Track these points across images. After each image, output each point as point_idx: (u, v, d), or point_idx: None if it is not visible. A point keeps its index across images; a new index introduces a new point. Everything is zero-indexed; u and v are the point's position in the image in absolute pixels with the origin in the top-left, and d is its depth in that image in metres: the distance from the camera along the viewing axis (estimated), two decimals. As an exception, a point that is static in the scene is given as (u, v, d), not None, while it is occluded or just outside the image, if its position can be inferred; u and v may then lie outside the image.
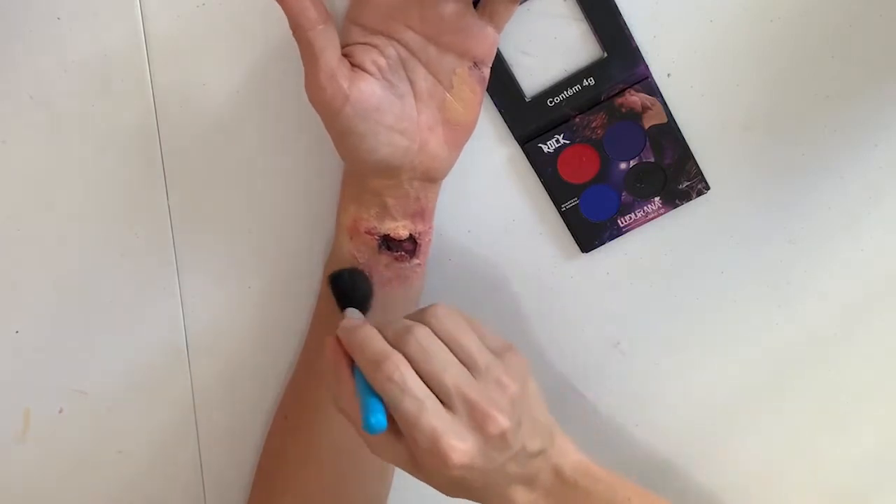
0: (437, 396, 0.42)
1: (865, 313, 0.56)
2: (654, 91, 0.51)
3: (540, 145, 0.52)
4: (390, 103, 0.46)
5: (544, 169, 0.52)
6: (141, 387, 0.56)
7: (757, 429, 0.58)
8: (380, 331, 0.43)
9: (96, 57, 0.50)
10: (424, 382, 0.42)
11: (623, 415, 0.58)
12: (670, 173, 0.52)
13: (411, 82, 0.47)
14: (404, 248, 0.50)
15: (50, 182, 0.52)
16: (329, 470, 0.52)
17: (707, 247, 0.54)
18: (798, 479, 0.59)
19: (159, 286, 0.54)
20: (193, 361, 0.55)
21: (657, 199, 0.53)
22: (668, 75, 0.51)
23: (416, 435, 0.41)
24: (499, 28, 0.47)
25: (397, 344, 0.43)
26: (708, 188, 0.53)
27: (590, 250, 0.54)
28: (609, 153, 0.52)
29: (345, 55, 0.45)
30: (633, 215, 0.53)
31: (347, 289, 0.47)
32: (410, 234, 0.50)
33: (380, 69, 0.45)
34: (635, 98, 0.51)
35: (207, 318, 0.55)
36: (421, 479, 0.44)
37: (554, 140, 0.52)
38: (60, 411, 0.55)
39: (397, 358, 0.42)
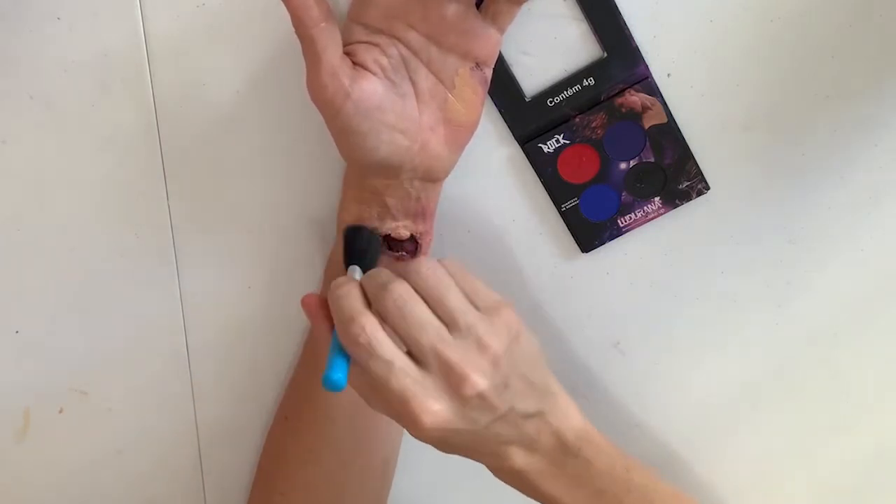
0: (412, 356, 0.42)
1: (865, 313, 0.56)
2: (654, 91, 0.51)
3: (540, 145, 0.52)
4: (392, 102, 0.46)
5: (544, 169, 0.52)
6: (141, 387, 0.56)
7: (757, 429, 0.58)
8: (363, 286, 0.43)
9: (96, 57, 0.50)
10: (402, 341, 0.41)
11: (623, 415, 0.58)
12: (670, 173, 0.53)
13: (413, 82, 0.47)
14: (405, 249, 0.50)
15: (50, 182, 0.52)
16: (329, 470, 0.52)
17: (707, 247, 0.54)
18: (798, 479, 0.59)
19: (159, 286, 0.54)
20: (193, 361, 0.55)
21: (657, 199, 0.53)
22: (668, 75, 0.51)
23: (388, 396, 0.41)
24: (501, 29, 0.47)
25: (374, 300, 0.42)
26: (708, 188, 0.53)
27: (590, 250, 0.54)
28: (609, 153, 0.52)
29: (347, 54, 0.45)
30: (633, 215, 0.53)
31: (359, 246, 0.47)
32: (411, 235, 0.50)
33: (382, 68, 0.45)
34: (635, 98, 0.51)
35: (207, 318, 0.55)
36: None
37: (554, 140, 0.52)
38: (60, 411, 0.55)
39: (365, 319, 0.41)
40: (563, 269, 0.55)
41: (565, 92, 0.51)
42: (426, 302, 0.42)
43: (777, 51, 0.51)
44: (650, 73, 0.51)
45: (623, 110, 0.51)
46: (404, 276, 0.43)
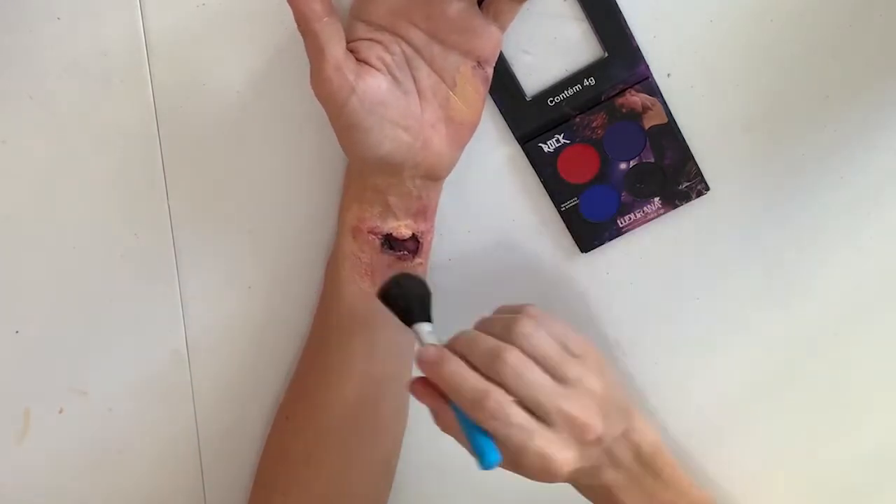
0: (533, 414, 0.43)
1: (866, 313, 0.56)
2: (654, 91, 0.51)
3: (540, 145, 0.52)
4: (396, 98, 0.46)
5: (544, 169, 0.52)
6: (141, 387, 0.55)
7: (757, 428, 0.58)
8: (463, 357, 0.44)
9: (96, 57, 0.50)
10: (521, 402, 0.43)
11: (623, 415, 0.58)
12: (670, 174, 0.53)
13: (415, 80, 0.47)
14: (407, 248, 0.50)
15: (50, 182, 0.52)
16: (330, 470, 0.52)
17: (707, 247, 0.54)
18: (798, 478, 0.59)
19: (159, 286, 0.54)
20: (193, 361, 0.55)
21: (657, 199, 0.53)
22: (669, 75, 0.51)
23: (525, 460, 0.43)
24: (503, 27, 0.47)
25: (489, 372, 0.43)
26: (707, 189, 0.53)
27: (589, 250, 0.54)
28: (609, 153, 0.52)
29: (350, 51, 0.45)
30: (632, 215, 0.53)
31: (404, 299, 0.46)
32: (413, 234, 0.50)
33: (386, 65, 0.45)
34: (636, 98, 0.51)
35: (207, 318, 0.55)
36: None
37: (554, 140, 0.52)
38: (60, 411, 0.55)
39: (497, 394, 0.43)
40: (562, 269, 0.55)
41: (566, 91, 0.51)
42: (534, 361, 0.44)
43: (777, 51, 0.51)
44: (650, 74, 0.51)
45: (623, 110, 0.51)
46: (508, 339, 0.45)
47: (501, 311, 0.49)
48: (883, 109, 0.52)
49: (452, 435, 0.45)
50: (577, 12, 0.50)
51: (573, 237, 0.54)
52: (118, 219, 0.53)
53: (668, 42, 0.50)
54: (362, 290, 0.50)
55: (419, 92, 0.47)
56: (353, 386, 0.51)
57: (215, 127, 0.51)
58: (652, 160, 0.52)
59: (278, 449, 0.55)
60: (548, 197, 0.53)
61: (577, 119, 0.51)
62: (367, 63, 0.45)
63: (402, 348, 0.53)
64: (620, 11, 0.50)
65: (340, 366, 0.51)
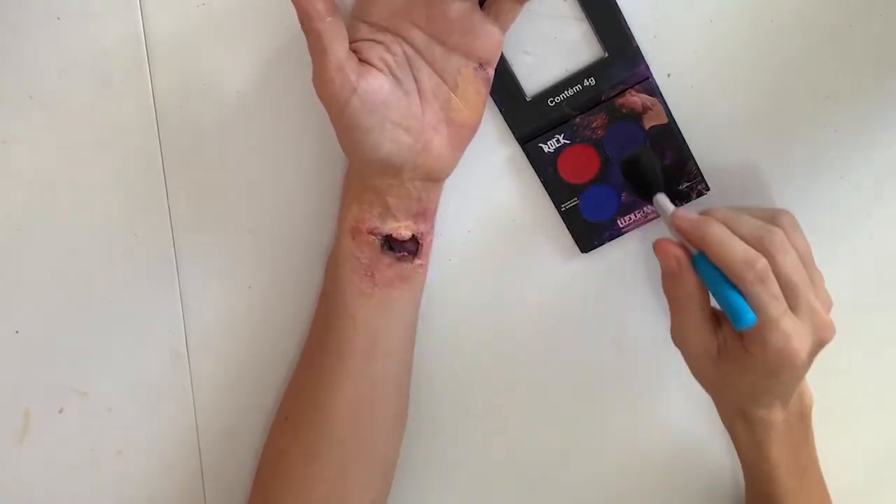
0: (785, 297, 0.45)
1: (866, 313, 0.56)
2: (654, 91, 0.51)
3: (540, 145, 0.52)
4: (398, 99, 0.46)
5: (544, 169, 0.52)
6: (141, 387, 0.55)
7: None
8: (728, 225, 0.46)
9: (96, 57, 0.50)
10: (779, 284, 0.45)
11: (623, 414, 0.58)
12: (670, 174, 0.53)
13: (417, 81, 0.47)
14: (407, 249, 0.50)
15: (50, 182, 0.52)
16: (330, 470, 0.52)
17: (707, 247, 0.54)
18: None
19: (159, 286, 0.54)
20: (193, 361, 0.55)
21: (657, 199, 0.53)
22: (668, 75, 0.51)
23: (770, 334, 0.44)
24: (504, 28, 0.47)
25: (758, 243, 0.45)
26: (707, 189, 0.53)
27: (589, 250, 0.54)
28: (609, 153, 0.52)
29: (352, 51, 0.45)
30: (632, 216, 0.53)
31: (646, 171, 0.50)
32: (413, 235, 0.50)
33: (387, 66, 0.45)
34: (636, 99, 0.51)
35: (207, 318, 0.55)
36: (710, 378, 0.48)
37: (554, 140, 0.52)
38: (60, 411, 0.55)
39: (765, 261, 0.44)
40: (562, 269, 0.55)
41: (566, 92, 0.51)
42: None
43: (777, 51, 0.51)
44: (651, 74, 0.51)
45: (623, 111, 0.51)
46: (774, 223, 0.46)
47: (742, 207, 0.49)
48: (883, 109, 0.52)
49: (678, 302, 0.46)
50: (577, 12, 0.50)
51: (573, 237, 0.54)
52: (118, 219, 0.53)
53: (668, 42, 0.51)
54: (362, 291, 0.50)
55: (420, 93, 0.47)
56: (353, 386, 0.51)
57: (215, 127, 0.51)
58: (652, 160, 0.52)
59: (278, 449, 0.55)
60: (548, 197, 0.53)
61: (578, 119, 0.51)
62: (369, 64, 0.45)
63: (402, 349, 0.53)
64: (620, 12, 0.50)
65: (340, 366, 0.51)
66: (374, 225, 0.49)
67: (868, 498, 0.59)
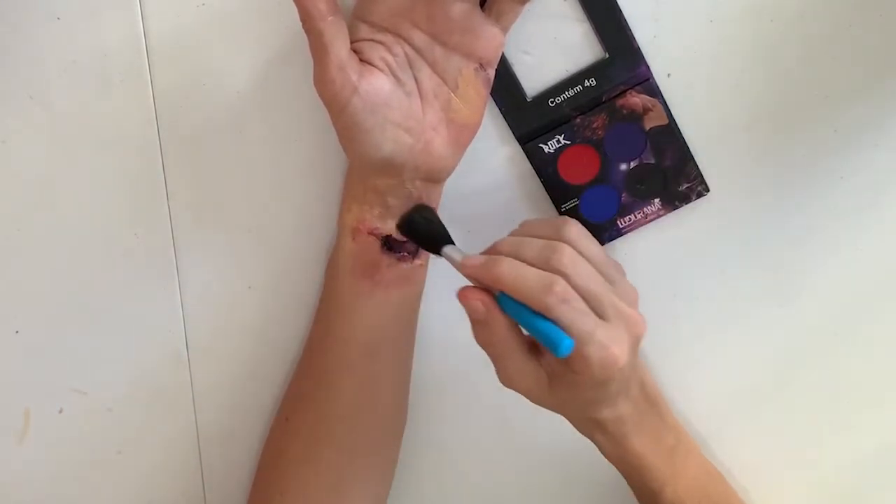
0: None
1: (866, 313, 0.56)
2: (655, 92, 0.51)
3: (541, 145, 0.52)
4: (399, 99, 0.46)
5: (545, 169, 0.52)
6: (141, 387, 0.55)
7: (757, 429, 0.58)
8: (515, 257, 0.45)
9: (96, 57, 0.50)
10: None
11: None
12: (670, 175, 0.53)
13: (417, 81, 0.47)
14: (407, 249, 0.50)
15: (50, 182, 0.52)
16: (330, 471, 0.52)
17: (707, 248, 0.54)
18: (798, 478, 0.59)
19: (159, 286, 0.54)
20: (193, 361, 0.55)
21: (657, 200, 0.53)
22: (669, 76, 0.51)
23: (588, 350, 0.43)
24: (505, 28, 0.47)
25: (547, 266, 0.44)
26: (708, 190, 0.53)
27: (590, 250, 0.54)
28: (609, 154, 0.52)
29: (353, 51, 0.45)
30: (632, 216, 0.53)
31: (426, 228, 0.48)
32: (413, 236, 0.50)
33: (388, 66, 0.45)
34: (636, 99, 0.51)
35: (207, 318, 0.55)
36: (550, 404, 0.47)
37: (555, 140, 0.52)
38: (60, 411, 0.55)
39: (562, 282, 0.43)
40: (563, 270, 0.55)
41: (566, 92, 0.51)
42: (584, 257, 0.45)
43: (777, 51, 0.51)
44: (651, 75, 0.51)
45: (624, 111, 0.51)
46: (558, 237, 0.45)
47: (528, 223, 0.48)
48: (883, 109, 0.52)
49: (494, 348, 0.45)
50: (577, 13, 0.50)
51: (573, 237, 0.54)
52: (118, 219, 0.53)
53: (669, 42, 0.50)
54: (362, 291, 0.50)
55: (421, 94, 0.47)
56: (353, 386, 0.51)
57: (215, 127, 0.51)
58: (652, 161, 0.52)
59: (278, 449, 0.55)
60: (548, 197, 0.53)
61: (578, 120, 0.51)
62: (370, 64, 0.45)
63: (402, 349, 0.53)
64: (621, 12, 0.50)
65: (340, 366, 0.51)
66: (375, 225, 0.49)
67: (868, 498, 0.59)
